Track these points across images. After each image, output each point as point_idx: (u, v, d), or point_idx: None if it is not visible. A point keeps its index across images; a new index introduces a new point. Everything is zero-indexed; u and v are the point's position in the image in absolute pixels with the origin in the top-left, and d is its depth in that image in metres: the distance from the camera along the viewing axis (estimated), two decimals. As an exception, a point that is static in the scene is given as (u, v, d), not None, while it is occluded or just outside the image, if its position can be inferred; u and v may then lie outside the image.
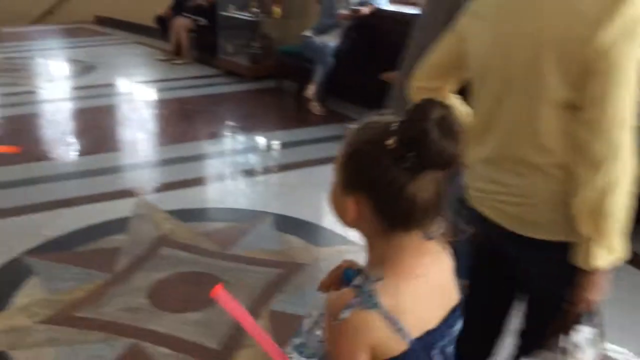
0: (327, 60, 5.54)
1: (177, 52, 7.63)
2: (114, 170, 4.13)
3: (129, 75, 7.03)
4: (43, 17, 11.26)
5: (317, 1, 6.43)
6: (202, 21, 7.46)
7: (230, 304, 1.42)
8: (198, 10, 7.49)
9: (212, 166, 4.40)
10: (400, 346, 0.95)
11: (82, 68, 7.01)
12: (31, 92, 6.01)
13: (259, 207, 3.61)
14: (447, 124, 0.89)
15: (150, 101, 5.95)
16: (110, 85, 6.49)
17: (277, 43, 7.18)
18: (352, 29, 5.78)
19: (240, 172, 4.25)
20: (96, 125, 5.16)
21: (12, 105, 5.49)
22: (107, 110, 5.63)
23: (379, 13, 5.68)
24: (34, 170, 4.01)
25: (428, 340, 0.99)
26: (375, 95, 5.83)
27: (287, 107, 6.08)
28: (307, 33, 5.83)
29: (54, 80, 6.54)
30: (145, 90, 6.29)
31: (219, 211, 3.64)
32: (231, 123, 5.43)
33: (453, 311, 1.06)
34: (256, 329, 1.27)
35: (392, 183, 0.92)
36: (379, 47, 5.70)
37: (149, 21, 9.19)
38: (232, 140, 4.97)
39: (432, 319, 1.01)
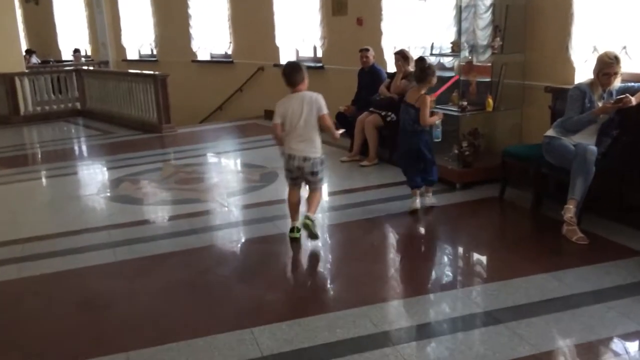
0: (590, 170, 4.00)
1: (362, 152, 6.51)
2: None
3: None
4: (212, 114, 10.90)
5: (547, 89, 5.00)
6: (393, 117, 6.29)
7: None
8: (389, 105, 6.34)
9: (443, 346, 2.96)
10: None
11: (263, 176, 6.04)
12: (212, 212, 5.04)
13: None
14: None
15: (349, 223, 4.70)
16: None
17: (490, 141, 5.80)
18: (614, 124, 4.23)
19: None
20: (300, 270, 4.01)
21: (195, 231, 4.50)
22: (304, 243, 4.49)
23: (652, 103, 4.09)
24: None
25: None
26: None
27: (522, 229, 4.49)
28: (552, 133, 4.35)
29: (236, 194, 5.54)
30: (339, 206, 5.10)
31: None
32: (452, 262, 4.03)
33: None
34: None
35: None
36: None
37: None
38: (454, 299, 3.37)
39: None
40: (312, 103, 4.00)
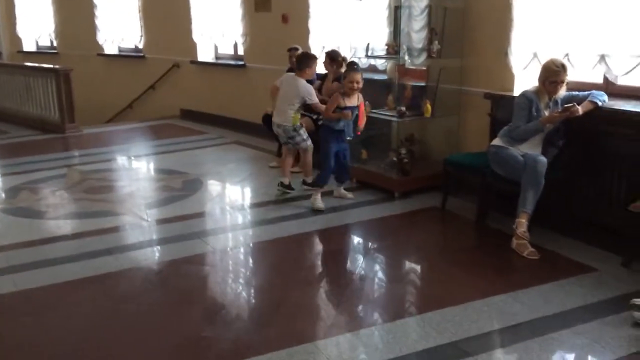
0: (541, 182, 3.85)
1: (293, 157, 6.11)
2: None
3: (244, 193, 5.50)
4: (121, 112, 10.09)
5: (486, 96, 4.85)
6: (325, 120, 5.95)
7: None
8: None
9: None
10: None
11: (185, 184, 5.50)
12: (130, 228, 4.47)
13: None
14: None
15: (283, 239, 4.30)
16: (226, 211, 4.90)
17: (426, 148, 5.61)
18: (560, 134, 4.12)
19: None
20: (239, 297, 3.56)
21: (111, 251, 3.94)
22: (229, 261, 4.05)
23: (597, 112, 4.01)
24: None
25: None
26: (606, 230, 3.78)
27: (470, 244, 4.25)
28: (499, 142, 4.18)
29: (156, 205, 4.95)
30: (271, 219, 4.67)
31: None
32: (402, 283, 3.76)
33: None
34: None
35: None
36: (604, 161, 4.02)
37: (244, 114, 7.84)
38: (414, 328, 3.11)
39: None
40: (301, 91, 4.89)
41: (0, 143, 7.68)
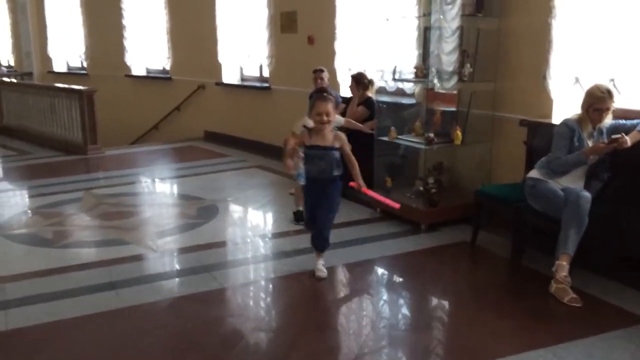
0: (584, 220, 3.45)
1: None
2: None
3: (260, 221, 5.22)
4: (147, 133, 9.98)
5: (522, 123, 4.48)
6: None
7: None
8: (346, 134, 5.68)
9: None
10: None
11: (201, 211, 5.24)
12: (138, 259, 4.20)
13: None
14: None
15: (300, 275, 3.98)
16: (239, 242, 4.61)
17: (454, 177, 5.25)
18: (605, 166, 3.72)
19: None
20: (247, 343, 3.24)
21: (114, 286, 3.67)
22: (248, 303, 3.74)
23: (646, 143, 3.60)
24: None
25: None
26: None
27: (504, 286, 3.81)
28: (536, 174, 3.80)
29: (168, 234, 4.68)
30: (288, 251, 4.35)
31: None
32: (429, 333, 3.39)
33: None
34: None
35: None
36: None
37: (267, 137, 7.60)
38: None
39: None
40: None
41: (23, 164, 7.59)
